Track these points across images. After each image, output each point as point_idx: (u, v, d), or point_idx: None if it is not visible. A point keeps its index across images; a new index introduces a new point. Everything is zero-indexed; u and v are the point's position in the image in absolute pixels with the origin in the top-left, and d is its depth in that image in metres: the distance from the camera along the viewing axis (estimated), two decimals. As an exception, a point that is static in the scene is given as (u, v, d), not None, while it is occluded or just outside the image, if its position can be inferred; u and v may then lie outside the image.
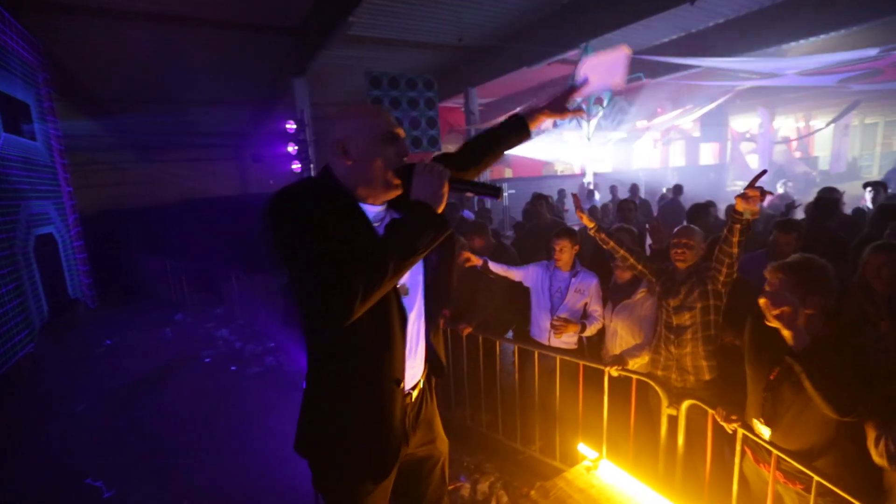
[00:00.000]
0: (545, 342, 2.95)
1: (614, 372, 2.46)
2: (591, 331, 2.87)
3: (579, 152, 11.71)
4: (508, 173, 14.46)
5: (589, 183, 10.67)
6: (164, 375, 4.84)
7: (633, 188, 7.64)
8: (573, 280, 2.92)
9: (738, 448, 1.87)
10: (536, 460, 2.91)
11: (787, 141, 16.63)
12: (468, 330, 3.14)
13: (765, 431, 1.68)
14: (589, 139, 9.27)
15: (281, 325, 5.51)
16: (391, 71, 7.39)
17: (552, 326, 2.86)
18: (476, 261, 3.08)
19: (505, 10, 6.70)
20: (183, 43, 6.86)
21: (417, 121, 7.53)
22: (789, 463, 1.60)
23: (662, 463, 2.33)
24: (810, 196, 4.33)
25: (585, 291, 2.90)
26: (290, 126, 7.53)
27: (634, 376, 2.40)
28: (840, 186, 4.89)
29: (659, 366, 2.56)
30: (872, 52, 6.78)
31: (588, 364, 2.61)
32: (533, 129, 1.58)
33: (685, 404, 2.15)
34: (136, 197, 11.45)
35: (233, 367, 4.94)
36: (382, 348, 1.22)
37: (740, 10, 7.69)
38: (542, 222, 4.57)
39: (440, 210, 1.11)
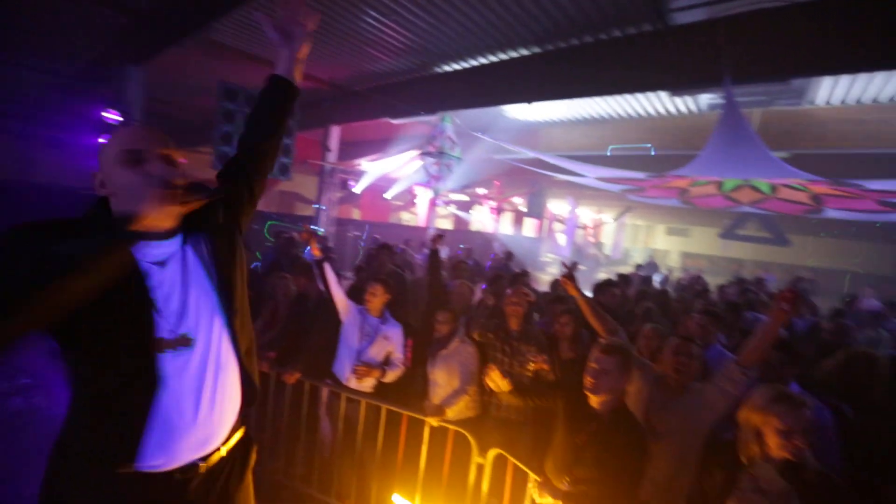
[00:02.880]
0: (344, 381, 2.98)
1: (434, 422, 2.63)
2: (390, 377, 3.03)
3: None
4: (356, 214, 14.54)
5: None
6: None
7: (468, 251, 8.42)
8: (382, 327, 3.08)
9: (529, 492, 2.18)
10: (350, 512, 2.85)
11: (585, 227, 20.75)
12: (294, 377, 3.01)
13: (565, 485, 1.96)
14: (436, 195, 10.07)
15: (46, 356, 4.35)
16: (251, 87, 6.96)
17: (355, 371, 2.92)
18: (316, 251, 3.04)
19: (379, 65, 7.05)
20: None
21: (270, 145, 7.16)
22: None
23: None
24: (598, 273, 5.45)
25: (391, 339, 3.07)
26: (113, 116, 6.38)
27: (452, 427, 2.61)
28: (618, 268, 6.30)
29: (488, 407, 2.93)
30: (641, 175, 9.10)
31: (411, 414, 2.74)
32: (297, 78, 1.44)
33: (491, 454, 2.42)
34: None
35: (-45, 409, 3.66)
36: (113, 416, 1.04)
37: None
38: (382, 270, 4.72)
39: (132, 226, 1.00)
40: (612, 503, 1.82)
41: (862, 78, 6.52)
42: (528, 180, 15.49)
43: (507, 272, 5.89)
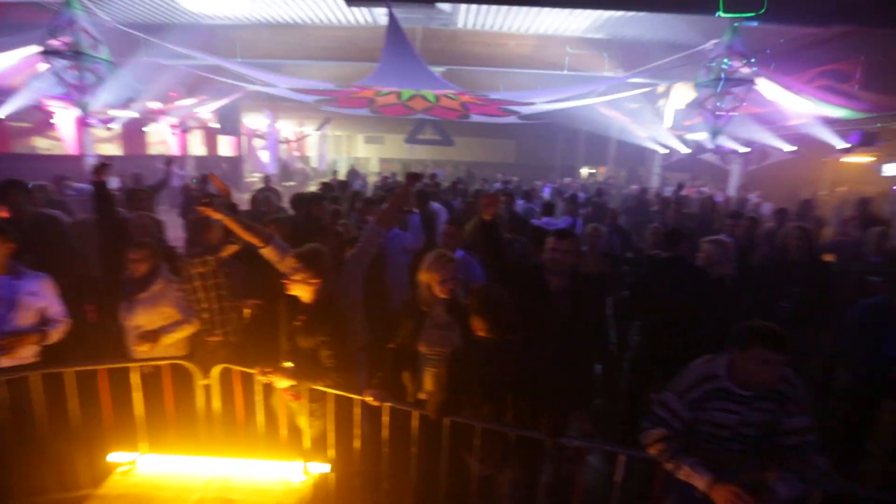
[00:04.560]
0: None
1: (144, 347, 2.50)
2: (55, 336, 2.57)
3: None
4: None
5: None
6: None
7: (136, 177, 6.87)
8: (18, 283, 2.47)
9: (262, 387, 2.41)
10: (58, 500, 2.47)
11: (287, 141, 20.08)
12: None
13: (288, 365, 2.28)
14: (85, 112, 7.70)
15: None
16: None
17: (1, 347, 2.35)
18: None
19: None
20: None
21: None
22: (297, 387, 2.26)
23: (205, 430, 2.59)
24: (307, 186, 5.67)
25: (38, 293, 2.53)
26: None
27: (164, 363, 2.51)
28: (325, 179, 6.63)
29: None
30: (331, 85, 9.39)
31: (113, 366, 2.47)
32: None
33: (215, 371, 2.49)
34: None
35: None
36: None
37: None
38: (23, 218, 3.60)
39: None
40: (326, 368, 2.26)
41: (485, 9, 8.32)
42: (215, 92, 13.53)
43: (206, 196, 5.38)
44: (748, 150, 10.91)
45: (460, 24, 9.54)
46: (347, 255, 2.78)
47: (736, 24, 6.53)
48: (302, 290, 2.25)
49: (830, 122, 8.31)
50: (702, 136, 9.05)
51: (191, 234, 3.76)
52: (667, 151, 13.09)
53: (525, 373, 1.93)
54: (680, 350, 2.14)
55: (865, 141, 8.06)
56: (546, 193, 10.12)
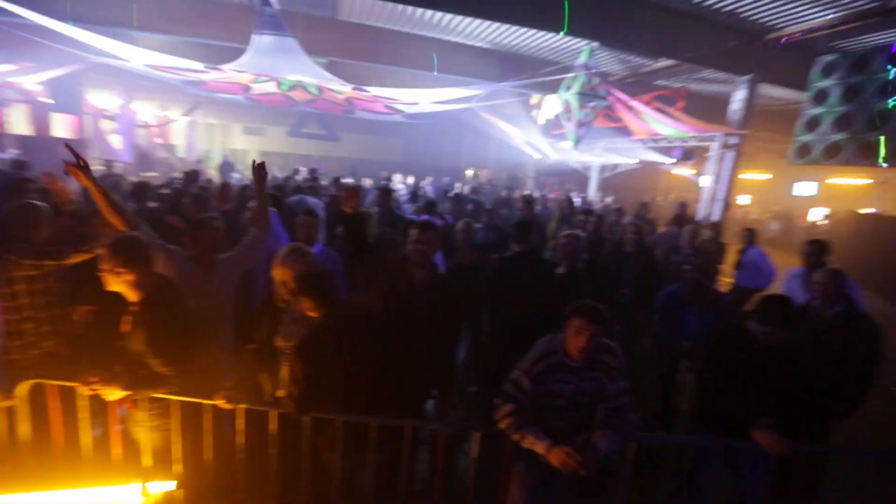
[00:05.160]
0: None
1: None
2: None
3: None
4: None
5: None
6: None
7: None
8: None
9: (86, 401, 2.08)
10: None
11: (148, 126, 17.56)
12: None
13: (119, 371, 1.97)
14: None
15: None
16: None
17: None
18: None
19: None
20: None
21: None
22: (133, 396, 1.99)
23: (9, 461, 2.15)
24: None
25: None
26: None
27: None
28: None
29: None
30: (199, 65, 8.46)
31: None
32: None
33: (22, 389, 2.08)
34: None
35: None
36: None
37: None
38: None
39: None
40: (161, 371, 2.01)
41: (370, 3, 8.19)
42: (45, 59, 11.24)
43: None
44: (602, 159, 12.43)
45: (344, 16, 9.29)
46: (222, 255, 2.53)
47: (592, 47, 7.40)
48: (115, 285, 1.96)
49: (662, 140, 9.88)
50: (567, 145, 10.07)
51: (5, 230, 3.09)
52: (540, 157, 14.28)
53: (379, 355, 1.97)
54: (533, 335, 2.34)
55: (685, 157, 9.81)
56: (430, 192, 10.36)
